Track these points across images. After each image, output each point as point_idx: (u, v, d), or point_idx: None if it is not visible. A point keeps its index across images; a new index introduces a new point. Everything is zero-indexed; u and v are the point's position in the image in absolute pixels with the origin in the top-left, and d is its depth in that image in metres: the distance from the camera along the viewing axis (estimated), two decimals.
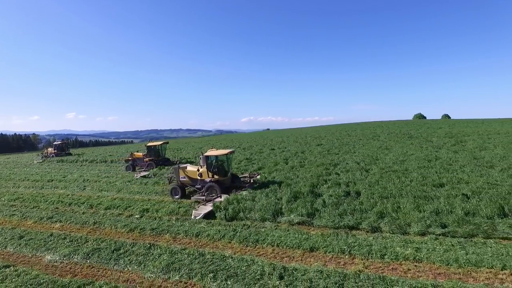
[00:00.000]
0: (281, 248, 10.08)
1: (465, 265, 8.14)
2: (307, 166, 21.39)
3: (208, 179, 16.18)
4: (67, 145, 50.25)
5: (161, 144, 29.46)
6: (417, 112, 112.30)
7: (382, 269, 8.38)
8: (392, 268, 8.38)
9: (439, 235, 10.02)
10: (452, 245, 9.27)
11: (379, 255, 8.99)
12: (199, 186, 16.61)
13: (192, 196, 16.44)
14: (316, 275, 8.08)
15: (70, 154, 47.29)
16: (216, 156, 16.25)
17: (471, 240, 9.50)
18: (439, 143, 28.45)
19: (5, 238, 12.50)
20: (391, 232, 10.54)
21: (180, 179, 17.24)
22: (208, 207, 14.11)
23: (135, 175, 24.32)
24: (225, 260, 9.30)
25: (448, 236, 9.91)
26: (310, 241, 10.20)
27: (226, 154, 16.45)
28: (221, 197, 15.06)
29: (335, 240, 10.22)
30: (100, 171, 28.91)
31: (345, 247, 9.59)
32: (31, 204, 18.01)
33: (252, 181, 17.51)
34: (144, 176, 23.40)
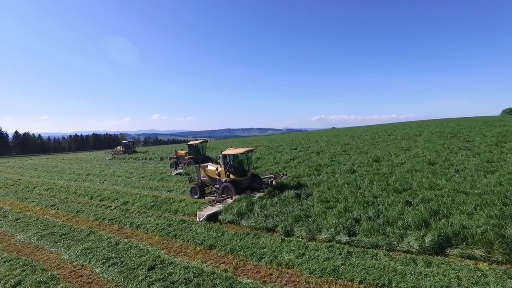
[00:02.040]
0: (167, 238, 11.25)
1: (327, 275, 7.71)
2: (298, 166, 21.03)
3: (224, 179, 15.67)
4: (132, 144, 55.39)
5: (201, 142, 31.03)
6: (507, 107, 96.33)
7: (246, 271, 8.44)
8: (255, 271, 8.37)
9: (344, 243, 9.44)
10: (340, 254, 8.73)
11: (257, 258, 9.00)
12: (218, 186, 16.09)
13: (205, 196, 16.42)
14: (180, 269, 8.61)
15: (135, 151, 52.08)
16: (233, 155, 15.65)
17: (366, 251, 8.75)
18: (481, 144, 24.55)
19: (5, 221, 15.60)
20: (301, 236, 10.27)
21: (201, 178, 17.08)
22: (215, 208, 13.57)
23: (172, 172, 25.85)
24: (130, 250, 10.39)
25: (352, 245, 9.27)
26: (217, 239, 10.61)
27: (245, 153, 15.81)
28: (231, 198, 14.41)
29: (239, 240, 10.43)
30: (140, 167, 31.62)
31: (237, 248, 9.77)
32: (51, 193, 21.67)
33: (274, 183, 16.27)
34: (178, 174, 24.42)
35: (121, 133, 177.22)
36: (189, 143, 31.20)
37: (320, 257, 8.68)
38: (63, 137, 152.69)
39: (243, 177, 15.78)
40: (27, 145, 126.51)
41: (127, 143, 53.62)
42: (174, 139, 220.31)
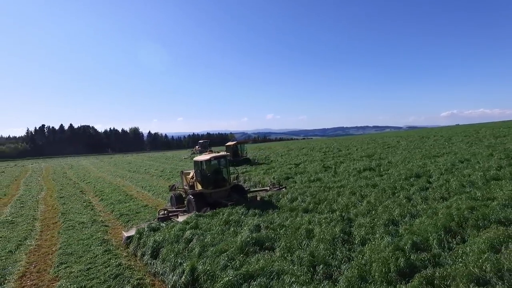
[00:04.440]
0: None
1: None
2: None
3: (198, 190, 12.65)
4: (208, 143, 57.39)
5: (236, 143, 29.68)
6: None
7: None
8: None
9: None
10: None
11: None
12: None
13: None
14: None
15: (211, 151, 54.73)
16: (205, 161, 12.41)
17: None
18: None
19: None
20: None
21: (184, 186, 14.54)
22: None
23: None
24: None
25: None
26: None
27: (214, 159, 12.57)
28: (178, 218, 11.09)
29: None
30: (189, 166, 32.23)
31: None
32: (77, 184, 23.63)
33: (258, 198, 12.99)
34: None
35: (230, 133, 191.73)
36: (226, 144, 29.90)
37: None
38: (184, 136, 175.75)
39: (216, 189, 12.39)
40: (156, 143, 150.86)
41: (204, 143, 55.15)
42: (281, 138, 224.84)
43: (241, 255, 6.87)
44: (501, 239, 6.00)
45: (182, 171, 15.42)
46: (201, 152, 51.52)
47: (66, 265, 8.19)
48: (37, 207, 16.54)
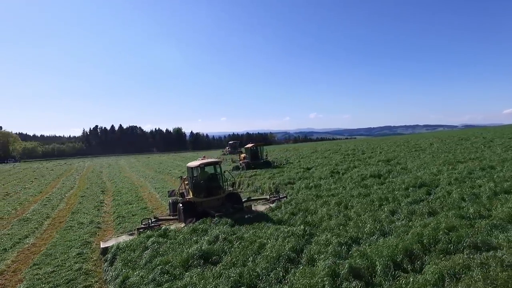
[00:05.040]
0: None
1: None
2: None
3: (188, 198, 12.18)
4: (238, 144, 57.46)
5: (255, 145, 28.10)
6: None
7: None
8: None
9: None
10: None
11: None
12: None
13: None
14: None
15: (241, 152, 53.26)
16: (194, 168, 11.95)
17: None
18: None
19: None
20: None
21: (181, 192, 13.22)
22: (120, 239, 9.96)
23: None
24: None
25: None
26: None
27: (213, 165, 12.42)
28: (171, 226, 10.67)
29: None
30: None
31: None
32: (103, 183, 25.21)
33: (253, 208, 11.98)
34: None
35: (270, 132, 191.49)
36: (245, 146, 29.01)
37: None
38: (225, 136, 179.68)
39: (209, 197, 11.80)
40: (198, 142, 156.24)
41: (233, 143, 55.58)
42: (322, 138, 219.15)
43: (180, 269, 6.68)
44: (456, 270, 5.08)
45: (181, 176, 15.45)
46: (230, 153, 51.23)
47: (38, 266, 8.62)
48: (58, 205, 17.81)
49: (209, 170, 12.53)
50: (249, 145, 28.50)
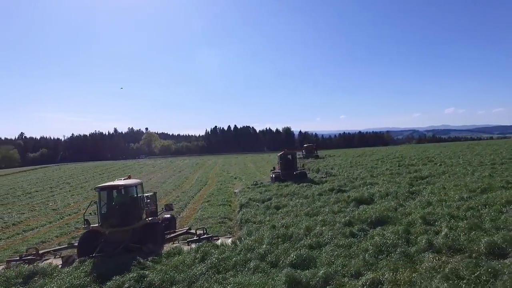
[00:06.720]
0: None
1: None
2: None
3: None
4: (314, 148, 49.97)
5: (285, 153, 23.23)
6: None
7: None
8: None
9: None
10: None
11: None
12: None
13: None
14: None
15: (317, 156, 44.94)
16: (100, 191, 10.21)
17: None
18: None
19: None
20: None
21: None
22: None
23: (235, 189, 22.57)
24: None
25: None
26: None
27: (123, 188, 10.25)
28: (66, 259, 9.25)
29: None
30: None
31: None
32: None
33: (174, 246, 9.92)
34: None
35: (387, 131, 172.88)
36: (279, 154, 23.57)
37: None
38: (335, 135, 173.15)
39: (116, 228, 9.77)
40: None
41: (309, 147, 48.41)
42: (456, 137, 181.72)
43: None
44: None
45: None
46: (305, 157, 43.30)
47: (208, 198, 20.11)
48: (207, 181, 29.07)
49: (126, 193, 10.50)
50: (285, 153, 23.25)
